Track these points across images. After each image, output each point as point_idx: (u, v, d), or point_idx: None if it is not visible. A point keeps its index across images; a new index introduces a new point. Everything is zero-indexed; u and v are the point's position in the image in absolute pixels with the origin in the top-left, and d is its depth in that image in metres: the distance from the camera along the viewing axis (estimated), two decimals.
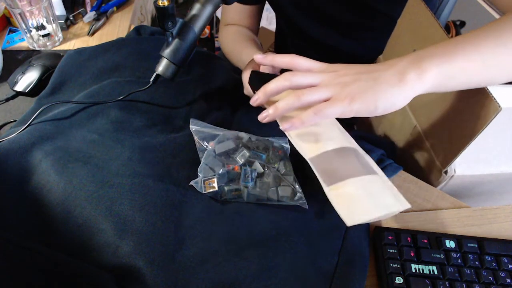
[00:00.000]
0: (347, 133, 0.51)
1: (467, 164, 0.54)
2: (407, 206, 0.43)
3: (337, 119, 0.52)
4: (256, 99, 0.48)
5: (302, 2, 0.77)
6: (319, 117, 0.44)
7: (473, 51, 0.44)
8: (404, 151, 0.65)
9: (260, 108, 0.58)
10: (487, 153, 0.53)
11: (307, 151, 0.48)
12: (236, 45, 0.79)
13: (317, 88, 0.45)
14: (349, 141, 0.49)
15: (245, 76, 0.61)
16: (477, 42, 0.44)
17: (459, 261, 0.46)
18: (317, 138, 0.48)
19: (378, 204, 0.43)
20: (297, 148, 0.48)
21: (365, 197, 0.43)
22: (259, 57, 0.50)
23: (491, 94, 0.46)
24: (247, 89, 0.60)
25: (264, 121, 0.48)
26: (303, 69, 0.49)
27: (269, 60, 0.50)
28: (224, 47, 0.85)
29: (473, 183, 0.58)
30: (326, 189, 0.45)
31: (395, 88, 0.43)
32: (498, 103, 0.45)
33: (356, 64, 0.47)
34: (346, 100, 0.43)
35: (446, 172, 0.55)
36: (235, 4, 0.83)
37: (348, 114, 0.43)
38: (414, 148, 0.63)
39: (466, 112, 0.50)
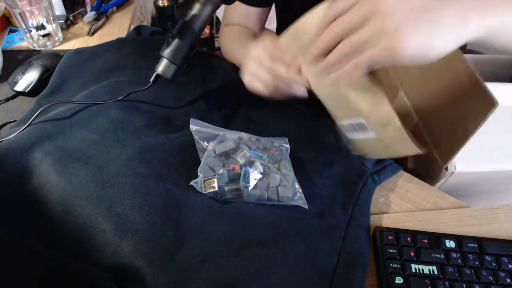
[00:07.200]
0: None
1: (468, 161, 0.54)
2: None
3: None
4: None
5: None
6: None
7: None
8: None
9: (263, 106, 0.57)
10: (487, 150, 0.53)
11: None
12: (240, 42, 0.76)
13: None
14: None
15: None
16: None
17: (459, 261, 0.46)
18: None
19: None
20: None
21: None
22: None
23: (488, 90, 0.46)
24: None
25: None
26: None
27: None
28: (224, 45, 0.82)
29: (473, 180, 0.58)
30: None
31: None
32: (495, 99, 0.45)
33: None
34: None
35: (446, 169, 0.55)
36: (242, 5, 0.81)
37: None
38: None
39: (466, 108, 0.50)
